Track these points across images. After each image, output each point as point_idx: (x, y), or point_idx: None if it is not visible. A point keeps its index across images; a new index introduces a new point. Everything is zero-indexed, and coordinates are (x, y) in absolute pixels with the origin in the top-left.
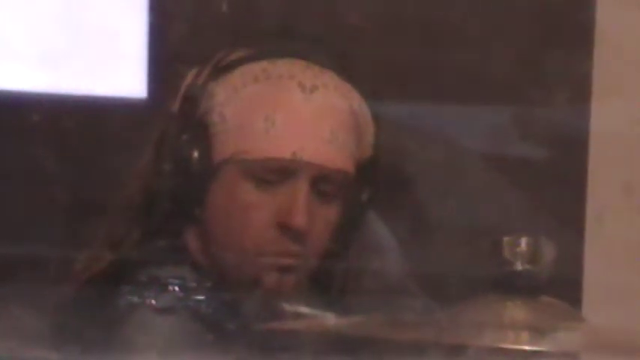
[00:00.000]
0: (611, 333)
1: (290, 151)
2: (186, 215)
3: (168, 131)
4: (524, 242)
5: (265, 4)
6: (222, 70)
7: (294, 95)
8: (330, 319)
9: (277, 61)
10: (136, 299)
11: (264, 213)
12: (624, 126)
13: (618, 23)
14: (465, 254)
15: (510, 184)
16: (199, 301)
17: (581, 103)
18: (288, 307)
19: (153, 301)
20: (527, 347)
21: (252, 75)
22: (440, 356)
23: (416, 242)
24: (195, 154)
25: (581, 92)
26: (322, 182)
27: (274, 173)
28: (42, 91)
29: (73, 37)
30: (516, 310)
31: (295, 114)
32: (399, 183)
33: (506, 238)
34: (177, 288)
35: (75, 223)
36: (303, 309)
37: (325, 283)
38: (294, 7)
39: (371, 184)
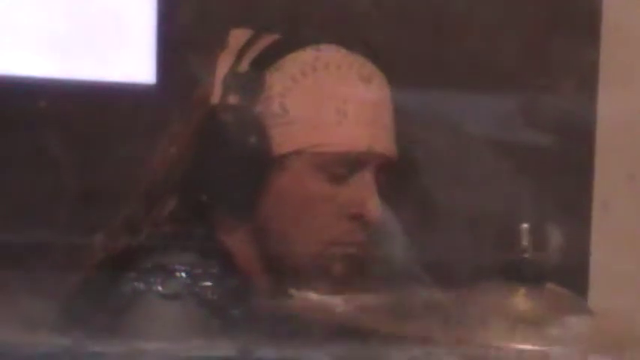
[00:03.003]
0: (617, 320)
1: (365, 144)
2: (233, 208)
3: (211, 121)
4: (530, 230)
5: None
6: (268, 58)
7: (358, 86)
8: (338, 305)
9: (320, 47)
10: (142, 286)
11: (336, 204)
12: (631, 114)
13: (625, 12)
14: (471, 242)
15: (517, 172)
16: (206, 287)
17: (588, 91)
18: (295, 292)
19: (159, 288)
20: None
21: (308, 64)
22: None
23: (422, 229)
24: (254, 146)
25: (588, 81)
26: (380, 171)
27: (347, 165)
28: (50, 77)
29: (81, 22)
30: (522, 298)
31: (363, 105)
32: (405, 170)
33: (522, 226)
34: (183, 274)
35: (83, 210)
36: (311, 295)
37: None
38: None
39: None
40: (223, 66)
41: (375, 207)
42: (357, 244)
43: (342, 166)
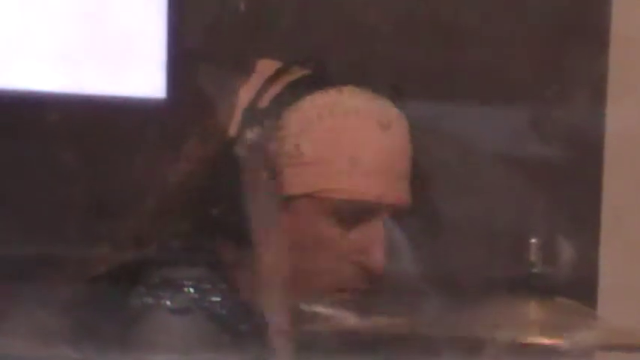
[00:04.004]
0: (626, 333)
1: (375, 194)
2: (243, 240)
3: (226, 153)
4: (539, 243)
5: (283, 4)
6: (289, 96)
7: (374, 133)
8: (349, 320)
9: (343, 90)
10: (151, 300)
11: (341, 250)
12: None
13: (634, 24)
14: (481, 255)
15: (526, 185)
16: (215, 302)
17: (597, 103)
18: (306, 307)
19: (168, 302)
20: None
21: (327, 107)
22: (456, 357)
23: (432, 243)
24: (266, 184)
25: (597, 93)
26: (392, 217)
27: (356, 213)
28: (61, 91)
29: (92, 37)
30: (532, 311)
31: (378, 154)
32: (415, 184)
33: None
34: (192, 289)
35: (93, 223)
36: (322, 309)
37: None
38: (312, 7)
39: None
40: (245, 97)
41: (380, 257)
42: (359, 293)
43: (350, 214)
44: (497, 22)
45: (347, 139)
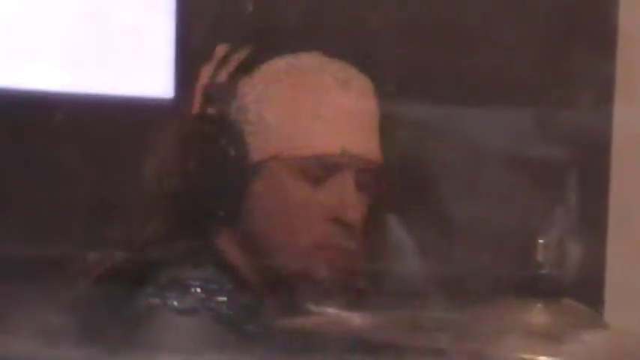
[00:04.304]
0: (633, 336)
1: (339, 147)
2: (222, 217)
3: (194, 132)
4: (546, 245)
5: (290, 5)
6: (245, 67)
7: (332, 88)
8: (353, 320)
9: (300, 55)
10: (157, 301)
11: (316, 207)
12: None
13: None
14: (487, 256)
15: (533, 186)
16: (221, 302)
17: (604, 104)
18: (311, 307)
19: (175, 303)
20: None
21: (283, 70)
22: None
23: (439, 244)
24: (233, 154)
25: (604, 93)
26: (362, 174)
27: (322, 169)
28: (68, 91)
29: (99, 37)
30: (538, 313)
31: (338, 108)
32: (421, 184)
33: (538, 241)
34: (198, 289)
35: (99, 224)
36: (326, 309)
37: (348, 284)
38: (318, 8)
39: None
40: (203, 78)
41: (353, 210)
42: (342, 249)
43: (318, 169)
44: (504, 22)
45: (306, 97)
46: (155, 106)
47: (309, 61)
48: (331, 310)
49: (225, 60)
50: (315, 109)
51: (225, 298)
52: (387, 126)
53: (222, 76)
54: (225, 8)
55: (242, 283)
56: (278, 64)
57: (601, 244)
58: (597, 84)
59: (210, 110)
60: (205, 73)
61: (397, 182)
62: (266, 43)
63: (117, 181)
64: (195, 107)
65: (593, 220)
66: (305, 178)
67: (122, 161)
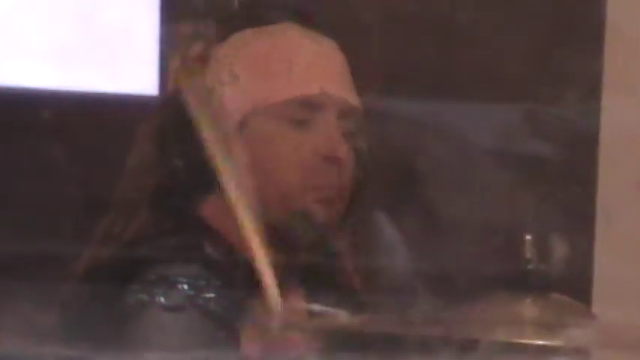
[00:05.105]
0: (621, 330)
1: (317, 87)
2: (207, 183)
3: (171, 112)
4: (534, 241)
5: (278, 2)
6: (216, 39)
7: (302, 41)
8: (342, 317)
9: (269, 26)
10: (145, 297)
11: (303, 150)
12: (634, 124)
13: (629, 21)
14: (475, 252)
15: (521, 182)
16: (209, 299)
17: (592, 100)
18: (299, 304)
19: (162, 300)
20: (539, 342)
21: (255, 35)
22: (450, 355)
23: (427, 241)
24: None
25: (591, 90)
26: (344, 119)
27: (304, 111)
28: (54, 88)
29: (85, 34)
30: (527, 308)
31: (311, 54)
32: (410, 181)
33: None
34: (186, 286)
35: (86, 221)
36: (315, 306)
37: (336, 280)
38: (308, 5)
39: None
40: (174, 65)
41: (341, 146)
42: (335, 188)
43: (299, 111)
44: (492, 19)
45: (280, 50)
46: (140, 103)
47: (278, 27)
48: (320, 308)
49: (193, 39)
50: (288, 57)
51: (213, 295)
52: (374, 122)
53: (194, 50)
54: (211, 5)
55: (230, 253)
56: (249, 32)
57: (589, 239)
58: (585, 81)
59: (185, 84)
60: (175, 64)
61: (385, 179)
62: (237, 20)
63: (103, 178)
64: (170, 87)
65: (581, 215)
66: (288, 124)
67: (108, 158)
